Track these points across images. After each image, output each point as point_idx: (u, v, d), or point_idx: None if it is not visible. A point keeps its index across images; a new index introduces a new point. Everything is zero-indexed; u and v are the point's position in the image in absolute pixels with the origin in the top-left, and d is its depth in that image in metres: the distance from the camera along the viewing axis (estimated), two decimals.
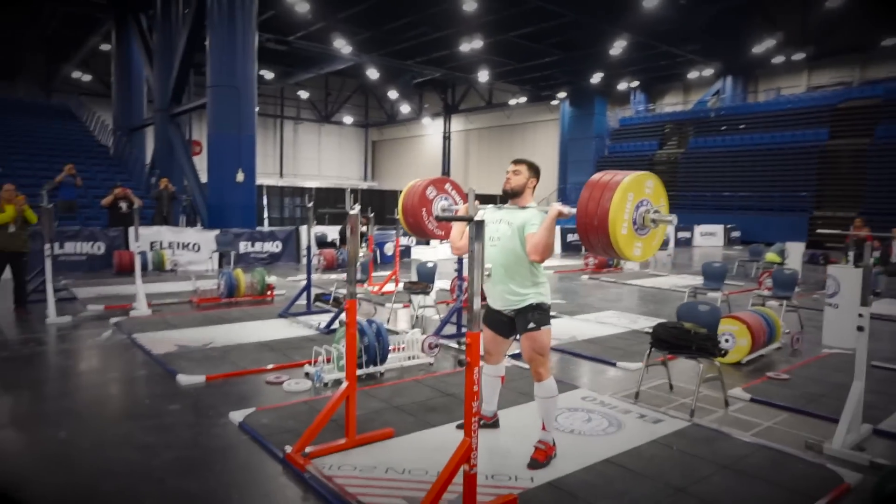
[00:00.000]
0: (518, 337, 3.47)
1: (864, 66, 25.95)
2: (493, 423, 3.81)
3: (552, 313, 3.66)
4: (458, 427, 3.77)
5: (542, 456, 3.32)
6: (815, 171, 23.37)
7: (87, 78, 30.79)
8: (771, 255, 12.22)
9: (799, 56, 25.83)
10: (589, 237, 2.81)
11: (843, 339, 5.25)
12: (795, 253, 10.80)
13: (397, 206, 4.52)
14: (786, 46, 25.52)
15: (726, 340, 5.43)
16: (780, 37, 25.33)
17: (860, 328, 3.57)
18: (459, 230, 3.59)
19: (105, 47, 23.63)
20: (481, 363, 3.72)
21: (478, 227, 2.62)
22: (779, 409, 4.36)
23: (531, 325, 3.29)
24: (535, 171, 3.42)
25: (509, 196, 3.41)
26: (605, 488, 3.06)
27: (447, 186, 3.79)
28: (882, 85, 23.76)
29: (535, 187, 3.44)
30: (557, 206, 3.03)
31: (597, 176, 2.86)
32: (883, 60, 25.07)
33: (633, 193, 2.77)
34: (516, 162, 3.43)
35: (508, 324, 3.44)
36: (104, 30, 22.20)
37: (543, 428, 3.37)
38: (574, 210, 2.91)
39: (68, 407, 4.19)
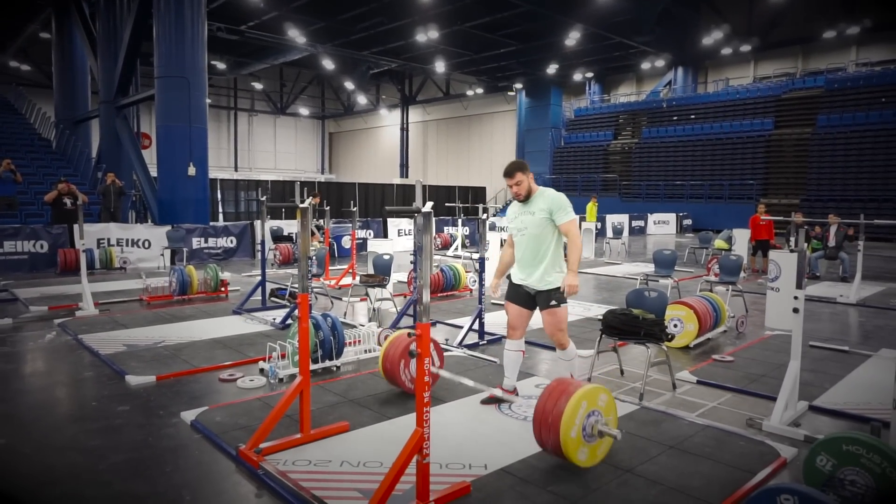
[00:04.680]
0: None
1: (807, 57, 26.98)
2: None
3: None
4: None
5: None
6: (761, 160, 24.23)
7: (26, 68, 29.45)
8: (719, 242, 12.65)
9: (745, 47, 26.69)
10: (542, 433, 3.09)
11: (783, 322, 5.50)
12: (742, 239, 11.19)
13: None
14: (733, 38, 26.34)
15: (675, 325, 5.61)
16: (728, 28, 26.13)
17: (795, 310, 3.74)
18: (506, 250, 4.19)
19: (45, 35, 22.59)
20: (504, 340, 4.00)
21: (426, 219, 2.64)
22: (723, 389, 4.54)
23: (553, 302, 3.83)
24: (525, 168, 3.92)
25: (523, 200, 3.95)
26: (556, 472, 3.14)
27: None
28: (823, 76, 24.75)
29: (532, 176, 3.93)
30: (571, 293, 3.71)
31: (556, 381, 3.21)
32: (824, 52, 26.12)
33: (587, 402, 3.05)
34: (509, 175, 3.87)
35: (531, 297, 3.94)
36: (43, 17, 21.20)
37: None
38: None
39: (8, 412, 4.03)
